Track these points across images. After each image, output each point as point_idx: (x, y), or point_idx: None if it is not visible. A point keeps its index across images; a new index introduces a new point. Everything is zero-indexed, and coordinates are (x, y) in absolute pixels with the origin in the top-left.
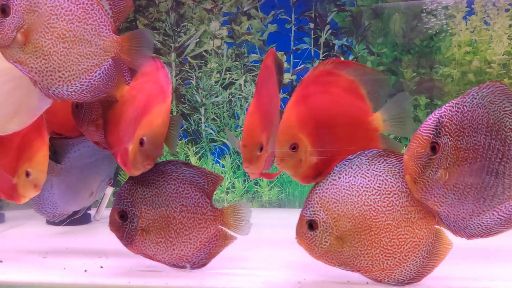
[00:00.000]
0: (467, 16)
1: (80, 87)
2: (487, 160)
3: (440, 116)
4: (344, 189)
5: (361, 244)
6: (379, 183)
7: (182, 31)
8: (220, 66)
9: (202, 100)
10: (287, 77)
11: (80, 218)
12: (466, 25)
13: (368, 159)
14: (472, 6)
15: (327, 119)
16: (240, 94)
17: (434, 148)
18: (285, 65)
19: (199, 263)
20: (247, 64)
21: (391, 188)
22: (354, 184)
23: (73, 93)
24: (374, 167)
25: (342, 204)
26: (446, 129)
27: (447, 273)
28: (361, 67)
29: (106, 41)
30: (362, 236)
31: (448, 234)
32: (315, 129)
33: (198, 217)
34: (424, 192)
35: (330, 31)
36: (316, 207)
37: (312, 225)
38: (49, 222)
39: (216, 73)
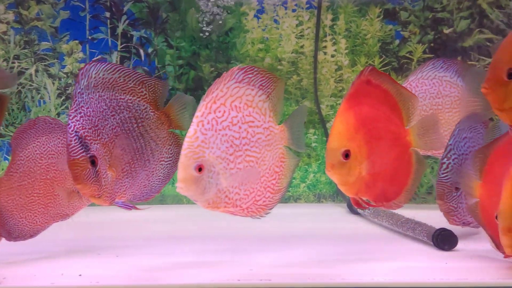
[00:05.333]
0: (258, 14)
1: None
2: (129, 132)
3: (75, 132)
4: None
5: None
6: None
7: None
8: (7, 53)
9: None
10: None
11: None
12: (258, 23)
13: None
14: (263, 5)
15: None
16: (31, 85)
17: (93, 161)
18: (81, 55)
19: None
20: (38, 52)
21: None
22: None
23: None
24: None
25: None
26: (88, 138)
27: None
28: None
29: None
30: None
31: None
32: None
33: None
34: (108, 197)
35: (127, 21)
36: None
37: None
38: None
39: (3, 61)
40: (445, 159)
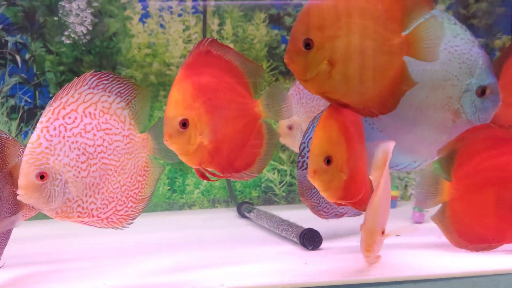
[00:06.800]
0: (143, 19)
1: None
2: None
3: None
4: None
5: None
6: None
7: None
8: None
9: None
10: None
11: None
12: (143, 27)
13: None
14: (148, 9)
15: None
16: None
17: None
18: None
19: None
20: None
21: None
22: None
23: None
24: None
25: None
26: None
27: None
28: None
29: None
30: None
31: None
32: None
33: None
34: None
35: (0, 26)
36: None
37: None
38: None
39: None
40: (300, 157)
